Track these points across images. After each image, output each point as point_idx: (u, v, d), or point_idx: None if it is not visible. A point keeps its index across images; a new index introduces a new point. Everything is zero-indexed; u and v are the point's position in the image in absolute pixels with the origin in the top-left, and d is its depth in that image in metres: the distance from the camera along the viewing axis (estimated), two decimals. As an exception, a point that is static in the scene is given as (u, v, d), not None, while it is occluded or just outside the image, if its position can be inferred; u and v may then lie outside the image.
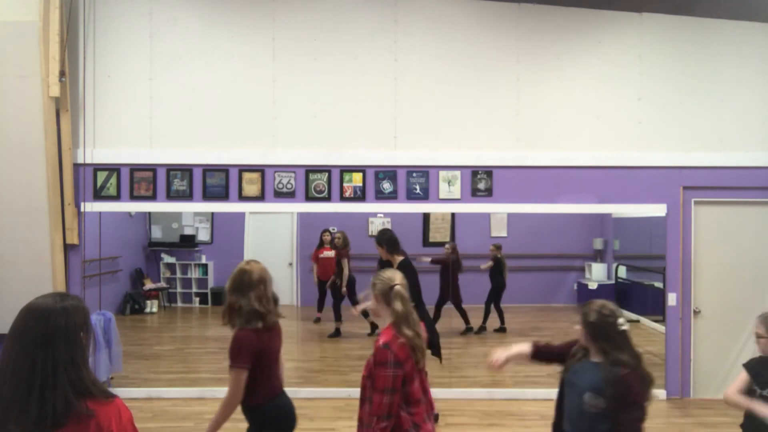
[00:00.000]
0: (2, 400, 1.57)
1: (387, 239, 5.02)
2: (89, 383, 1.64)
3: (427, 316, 4.99)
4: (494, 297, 8.36)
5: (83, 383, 1.63)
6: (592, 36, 5.70)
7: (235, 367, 2.88)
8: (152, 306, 10.06)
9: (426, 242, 10.60)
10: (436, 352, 5.04)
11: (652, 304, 8.79)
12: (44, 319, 1.63)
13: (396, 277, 2.65)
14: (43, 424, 1.56)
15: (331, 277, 7.66)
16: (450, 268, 8.12)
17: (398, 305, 2.59)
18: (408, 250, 9.01)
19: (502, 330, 8.44)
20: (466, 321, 7.90)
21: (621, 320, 2.46)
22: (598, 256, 10.63)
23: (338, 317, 7.60)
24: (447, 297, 7.84)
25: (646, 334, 8.30)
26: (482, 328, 8.13)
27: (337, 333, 7.57)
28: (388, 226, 10.74)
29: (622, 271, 9.83)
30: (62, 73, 5.28)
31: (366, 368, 2.61)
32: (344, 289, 7.50)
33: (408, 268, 4.78)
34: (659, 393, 5.65)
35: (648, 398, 2.41)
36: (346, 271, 7.54)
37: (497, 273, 8.45)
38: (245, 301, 2.93)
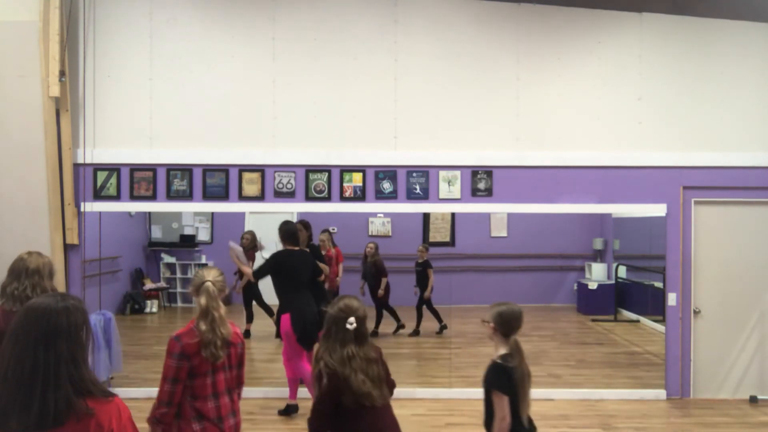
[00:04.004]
0: (3, 398, 1.58)
1: (283, 231, 5.21)
2: (89, 382, 1.65)
3: (306, 302, 5.09)
4: (425, 299, 8.20)
5: (84, 382, 1.64)
6: (592, 36, 5.70)
7: None
8: (152, 306, 10.05)
9: (426, 242, 10.62)
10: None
11: (652, 304, 8.79)
12: (46, 318, 1.64)
13: (210, 274, 2.79)
14: (45, 422, 1.57)
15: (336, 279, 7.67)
16: (373, 267, 8.01)
17: (202, 300, 2.72)
18: (407, 249, 9.04)
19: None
20: (378, 323, 7.83)
21: (351, 319, 2.57)
22: (598, 256, 10.64)
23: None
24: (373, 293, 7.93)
25: (646, 334, 8.31)
26: (416, 332, 8.04)
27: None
28: (388, 227, 10.78)
29: (622, 271, 9.83)
30: (62, 73, 5.28)
31: None
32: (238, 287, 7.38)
33: (281, 258, 5.09)
34: (659, 393, 5.66)
35: (355, 397, 2.52)
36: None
37: (425, 276, 8.24)
38: (17, 285, 3.12)
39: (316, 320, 5.01)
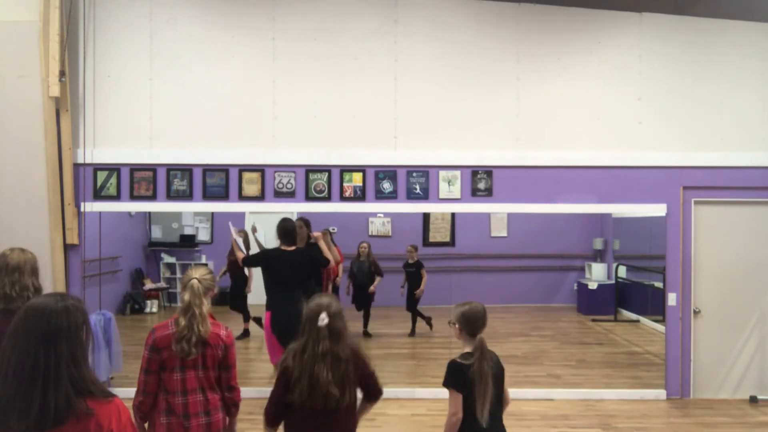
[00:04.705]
0: (4, 398, 1.58)
1: (280, 229, 5.08)
2: (89, 382, 1.65)
3: (290, 303, 4.90)
4: (417, 298, 8.19)
5: (84, 382, 1.64)
6: (592, 36, 5.70)
7: None
8: (152, 306, 10.05)
9: (426, 242, 10.63)
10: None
11: (652, 304, 8.80)
12: (46, 317, 1.64)
13: (197, 272, 2.88)
14: (45, 422, 1.57)
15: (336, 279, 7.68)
16: (373, 266, 7.99)
17: (186, 296, 2.82)
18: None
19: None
20: (366, 322, 7.90)
21: (323, 315, 2.62)
22: (598, 256, 10.64)
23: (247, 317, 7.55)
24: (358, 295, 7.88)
25: (646, 334, 8.31)
26: (413, 331, 8.08)
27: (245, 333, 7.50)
28: (388, 227, 10.78)
29: (622, 271, 9.83)
30: (62, 73, 5.28)
31: None
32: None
33: (271, 256, 5.05)
34: (659, 393, 5.66)
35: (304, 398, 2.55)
36: None
37: (418, 277, 8.20)
38: None
39: (298, 321, 5.02)
